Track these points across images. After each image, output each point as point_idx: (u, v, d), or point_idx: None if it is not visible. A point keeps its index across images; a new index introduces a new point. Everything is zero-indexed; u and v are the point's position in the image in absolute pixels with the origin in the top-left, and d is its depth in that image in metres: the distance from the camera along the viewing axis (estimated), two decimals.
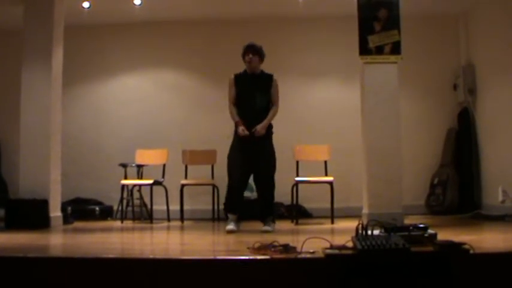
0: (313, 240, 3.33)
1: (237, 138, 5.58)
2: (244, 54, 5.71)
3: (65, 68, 6.67)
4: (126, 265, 3.17)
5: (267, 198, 5.61)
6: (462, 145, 7.75)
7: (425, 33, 8.08)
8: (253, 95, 5.61)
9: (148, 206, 7.14)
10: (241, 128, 5.49)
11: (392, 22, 5.89)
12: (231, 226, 5.41)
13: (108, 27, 8.27)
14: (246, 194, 7.57)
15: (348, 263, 2.97)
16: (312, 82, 8.26)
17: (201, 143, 7.51)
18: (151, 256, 3.35)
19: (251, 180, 7.62)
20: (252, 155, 5.50)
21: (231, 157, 5.61)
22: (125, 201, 7.32)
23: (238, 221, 5.56)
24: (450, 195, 7.56)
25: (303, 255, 3.13)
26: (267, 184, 5.59)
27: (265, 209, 5.61)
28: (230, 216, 5.59)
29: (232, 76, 5.75)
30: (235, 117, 5.58)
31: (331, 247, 3.20)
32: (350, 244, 3.13)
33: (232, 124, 5.66)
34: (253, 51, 5.67)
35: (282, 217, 7.41)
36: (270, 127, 5.65)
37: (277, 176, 7.50)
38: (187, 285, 3.06)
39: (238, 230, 5.42)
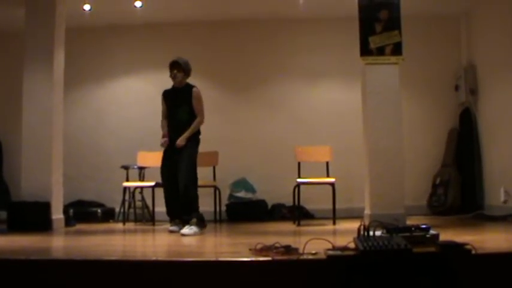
0: (315, 242, 3.33)
1: (164, 150, 5.87)
2: (169, 71, 5.91)
3: (66, 70, 6.67)
4: (128, 267, 3.17)
5: (185, 201, 5.62)
6: (464, 145, 7.75)
7: (427, 34, 8.08)
8: (175, 109, 5.88)
9: (150, 208, 7.15)
10: (162, 140, 5.83)
11: (393, 23, 5.88)
12: (173, 227, 5.68)
13: (109, 29, 8.29)
14: (247, 195, 7.66)
15: (350, 264, 2.96)
16: (313, 83, 8.26)
17: (202, 144, 7.51)
18: (153, 258, 3.36)
19: (252, 182, 7.74)
20: (175, 164, 5.70)
21: (160, 167, 5.90)
22: (126, 203, 7.33)
23: (181, 224, 5.65)
24: (452, 196, 7.56)
25: (305, 257, 3.13)
26: (181, 186, 5.60)
27: (185, 211, 5.64)
28: (173, 220, 5.80)
29: (162, 92, 6.05)
30: (163, 129, 5.89)
31: (333, 248, 3.19)
32: (352, 245, 3.13)
33: None
34: (177, 67, 5.88)
35: (284, 218, 7.44)
36: (194, 136, 5.83)
37: (279, 177, 7.61)
38: (190, 287, 3.06)
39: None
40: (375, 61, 5.89)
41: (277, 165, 7.85)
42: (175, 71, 5.86)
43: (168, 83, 8.29)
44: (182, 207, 5.65)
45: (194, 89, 5.90)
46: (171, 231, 5.61)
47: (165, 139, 5.81)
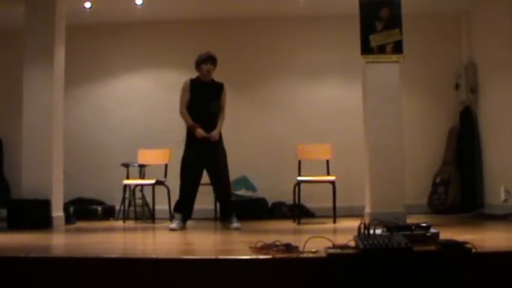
0: (315, 240, 3.33)
1: (192, 143, 5.84)
2: (202, 63, 5.93)
3: (66, 68, 6.68)
4: (129, 265, 3.17)
5: (227, 197, 5.93)
6: (464, 144, 7.75)
7: (427, 32, 8.08)
8: (207, 102, 5.90)
9: (151, 206, 7.15)
10: (200, 131, 5.74)
11: (394, 21, 5.88)
12: (174, 225, 5.72)
13: (110, 27, 8.29)
14: (247, 193, 7.65)
15: (351, 262, 2.96)
16: (313, 81, 8.26)
17: None
18: (153, 256, 3.35)
19: (252, 180, 7.74)
20: (206, 158, 5.80)
21: (185, 161, 5.86)
22: (127, 201, 7.33)
23: (183, 221, 5.84)
24: (452, 194, 7.56)
25: (305, 255, 3.12)
26: (224, 184, 5.90)
27: (227, 207, 5.91)
28: (176, 215, 5.86)
29: (188, 81, 5.98)
30: (190, 121, 5.83)
31: (334, 246, 3.19)
32: (352, 243, 3.13)
33: (182, 128, 5.98)
34: (213, 61, 5.95)
35: (284, 217, 7.44)
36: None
37: (280, 175, 7.61)
38: (190, 285, 3.06)
39: (182, 229, 5.71)
40: (375, 59, 5.89)
41: (278, 164, 7.85)
42: (209, 65, 5.92)
43: (168, 81, 8.35)
44: (224, 202, 5.93)
45: (225, 86, 6.04)
46: (172, 229, 5.62)
47: (201, 130, 5.75)
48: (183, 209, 5.88)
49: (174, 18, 8.12)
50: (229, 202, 5.94)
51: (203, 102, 5.89)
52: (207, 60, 5.90)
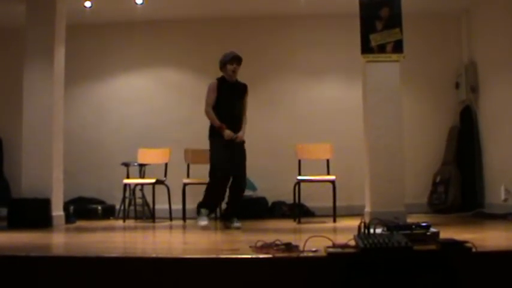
0: (315, 239, 3.32)
1: (220, 143, 5.81)
2: (227, 63, 5.90)
3: (67, 67, 6.68)
4: (129, 264, 3.16)
5: (240, 198, 5.99)
6: (464, 143, 7.74)
7: (428, 32, 8.08)
8: (233, 102, 5.91)
9: (151, 205, 7.15)
10: (228, 132, 5.75)
11: (394, 20, 5.88)
12: (205, 222, 5.77)
13: (110, 26, 8.28)
14: (247, 192, 7.63)
15: (350, 261, 2.96)
16: (313, 81, 8.26)
17: (203, 141, 7.50)
18: (153, 255, 3.35)
19: (253, 179, 7.74)
20: (233, 158, 5.78)
21: (218, 160, 5.79)
22: (127, 201, 7.34)
23: (208, 216, 5.91)
24: (452, 194, 7.56)
25: (305, 254, 3.12)
26: (243, 185, 5.94)
27: (235, 208, 5.94)
28: (204, 211, 5.87)
29: (216, 82, 5.95)
30: (217, 121, 5.80)
31: (334, 246, 3.19)
32: (352, 243, 3.12)
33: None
34: (239, 62, 5.93)
35: (284, 216, 7.44)
36: None
37: (280, 175, 7.62)
38: (190, 285, 3.06)
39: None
40: (375, 59, 5.89)
41: (278, 163, 7.85)
42: (235, 65, 5.91)
43: (168, 81, 8.35)
44: (235, 202, 5.92)
45: (248, 87, 6.05)
46: (203, 227, 5.72)
47: (228, 131, 5.76)
48: (213, 206, 6.01)
49: (174, 17, 8.12)
50: (239, 204, 5.99)
51: (229, 102, 5.89)
52: (232, 61, 5.88)
